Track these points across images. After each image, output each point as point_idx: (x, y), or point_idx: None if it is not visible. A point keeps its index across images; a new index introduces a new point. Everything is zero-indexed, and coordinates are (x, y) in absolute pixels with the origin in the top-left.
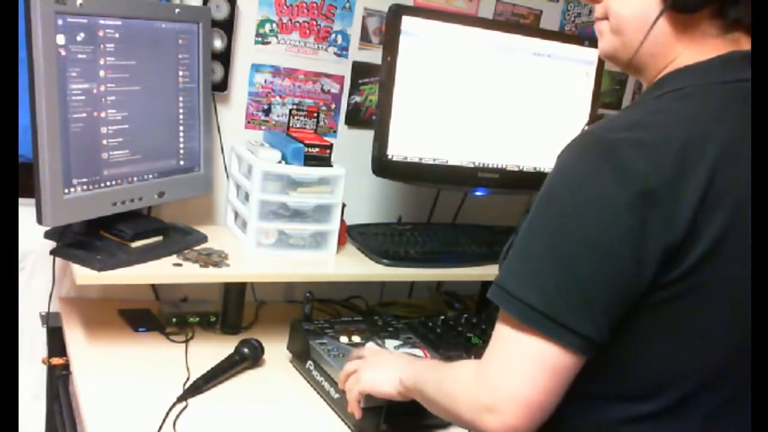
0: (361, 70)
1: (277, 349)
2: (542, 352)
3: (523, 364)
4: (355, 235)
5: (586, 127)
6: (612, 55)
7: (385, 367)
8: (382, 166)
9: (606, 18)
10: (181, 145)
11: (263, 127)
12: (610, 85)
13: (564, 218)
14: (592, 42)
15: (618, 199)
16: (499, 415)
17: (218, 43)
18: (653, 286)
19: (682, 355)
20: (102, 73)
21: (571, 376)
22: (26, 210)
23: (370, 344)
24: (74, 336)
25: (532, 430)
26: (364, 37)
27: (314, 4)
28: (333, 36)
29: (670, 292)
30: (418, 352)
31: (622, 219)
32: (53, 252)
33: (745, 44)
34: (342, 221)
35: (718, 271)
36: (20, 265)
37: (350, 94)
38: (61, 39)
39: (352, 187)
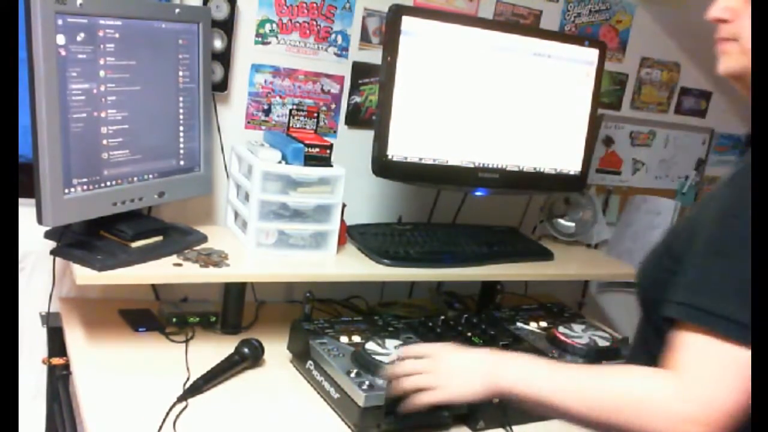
0: (361, 70)
1: (277, 349)
2: (747, 362)
3: (734, 378)
4: (355, 235)
5: None
6: (739, 75)
7: (467, 370)
8: (382, 166)
9: (734, 39)
10: (181, 145)
11: (263, 127)
12: (610, 85)
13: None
14: (592, 42)
15: None
16: (706, 427)
17: (218, 43)
18: None
19: None
20: (102, 73)
21: None
22: (26, 210)
23: (370, 344)
24: (74, 336)
25: None
26: (364, 37)
27: (314, 5)
28: (333, 36)
29: None
30: None
31: None
32: (53, 252)
33: None
34: (342, 221)
35: None
36: (20, 265)
37: (350, 94)
38: (61, 39)
39: (352, 187)
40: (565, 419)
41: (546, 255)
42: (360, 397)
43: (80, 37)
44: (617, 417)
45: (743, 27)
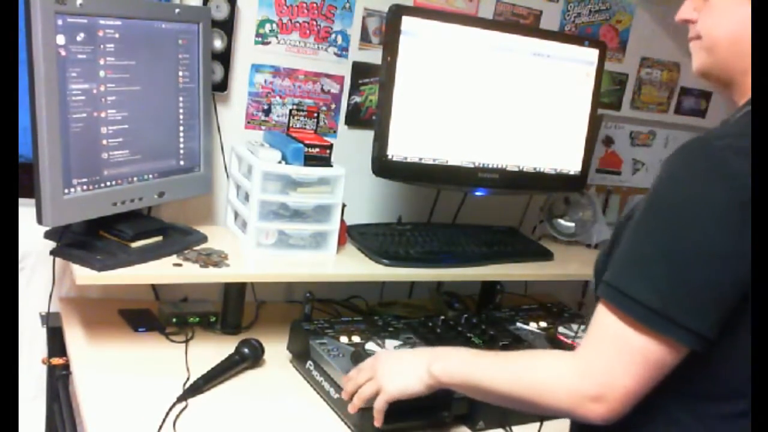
0: (361, 70)
1: (277, 349)
2: (649, 348)
3: (629, 358)
4: (355, 235)
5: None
6: (705, 73)
7: (404, 367)
8: (382, 166)
9: (699, 38)
10: (181, 145)
11: (263, 127)
12: (610, 85)
13: (675, 221)
14: (592, 42)
15: (727, 204)
16: (604, 404)
17: (218, 43)
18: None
19: None
20: (102, 73)
21: (669, 370)
22: (26, 210)
23: (370, 344)
24: (74, 336)
25: (625, 414)
26: (364, 37)
27: (314, 5)
28: (333, 36)
29: None
30: None
31: (729, 222)
32: (53, 252)
33: None
34: (342, 221)
35: None
36: (20, 265)
37: (350, 94)
38: (61, 39)
39: (352, 187)
40: (497, 402)
41: (546, 255)
42: None
43: (80, 37)
44: (530, 395)
45: (704, 25)
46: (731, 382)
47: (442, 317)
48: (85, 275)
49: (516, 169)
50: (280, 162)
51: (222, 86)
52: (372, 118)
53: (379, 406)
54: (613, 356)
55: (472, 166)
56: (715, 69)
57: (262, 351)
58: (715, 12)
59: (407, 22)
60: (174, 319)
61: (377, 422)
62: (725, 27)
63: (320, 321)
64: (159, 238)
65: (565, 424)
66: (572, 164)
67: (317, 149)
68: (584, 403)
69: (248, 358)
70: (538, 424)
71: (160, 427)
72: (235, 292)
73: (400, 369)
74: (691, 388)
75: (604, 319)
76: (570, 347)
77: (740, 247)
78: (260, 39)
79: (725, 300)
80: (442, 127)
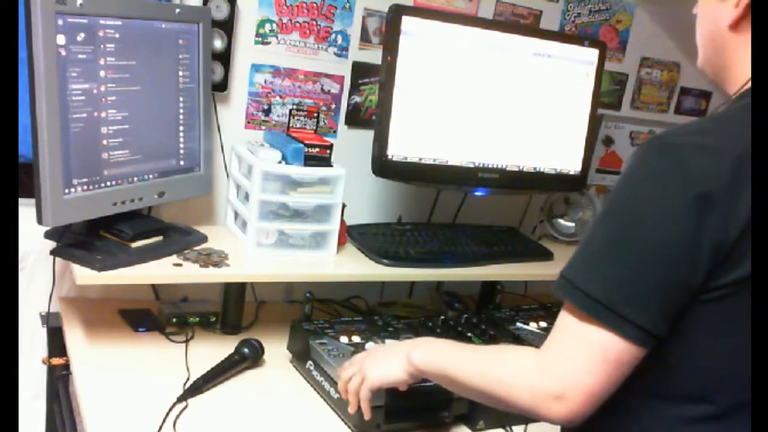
0: (361, 70)
1: (277, 349)
2: (605, 344)
3: (588, 354)
4: (355, 235)
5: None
6: (701, 70)
7: (387, 355)
8: (382, 166)
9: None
10: (181, 145)
11: (263, 127)
12: (610, 85)
13: (625, 215)
14: (592, 42)
15: (677, 200)
16: (565, 403)
17: (218, 43)
18: (705, 285)
19: (729, 358)
20: (102, 73)
21: (630, 367)
22: (26, 210)
23: (370, 344)
24: (74, 336)
25: (589, 415)
26: (364, 37)
27: (314, 4)
28: (333, 36)
29: (719, 292)
30: None
31: (680, 219)
32: (53, 252)
33: None
34: (342, 221)
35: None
36: (20, 265)
37: (350, 94)
38: (61, 39)
39: (352, 187)
40: (469, 396)
41: (546, 255)
42: None
43: (80, 37)
44: (496, 391)
45: (699, 21)
46: (692, 383)
47: (442, 317)
48: (85, 275)
49: (516, 169)
50: (280, 162)
51: (222, 86)
52: (372, 118)
53: (363, 395)
54: (573, 353)
55: (472, 166)
56: (705, 65)
57: (262, 351)
58: (700, 11)
59: (407, 22)
60: (174, 319)
61: (365, 414)
62: (705, 25)
63: (320, 321)
64: (159, 238)
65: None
66: (572, 164)
67: (317, 149)
68: (546, 402)
69: (248, 358)
70: (538, 424)
71: (160, 427)
72: (235, 292)
73: (383, 358)
74: (652, 389)
75: (564, 316)
76: None
77: (691, 243)
78: (260, 39)
79: (672, 297)
80: (442, 127)
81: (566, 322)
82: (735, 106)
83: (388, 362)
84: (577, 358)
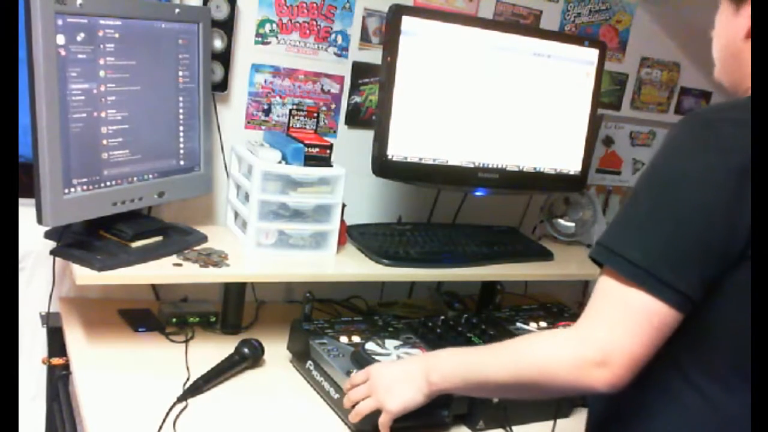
0: (361, 70)
1: (277, 349)
2: (647, 308)
3: (629, 319)
4: (355, 235)
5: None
6: (717, 82)
7: (403, 382)
8: (382, 166)
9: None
10: (181, 145)
11: (263, 127)
12: (610, 85)
13: (667, 186)
14: (592, 42)
15: (718, 171)
16: (608, 369)
17: (218, 43)
18: (742, 256)
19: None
20: (102, 73)
21: (670, 331)
22: (26, 210)
23: (370, 344)
24: (74, 336)
25: (631, 380)
26: (364, 37)
27: (314, 4)
28: (333, 36)
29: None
30: (417, 352)
31: (721, 188)
32: (53, 252)
33: None
34: (342, 221)
35: None
36: (20, 265)
37: (350, 94)
38: (61, 39)
39: (352, 187)
40: (500, 395)
41: (546, 255)
42: None
43: (80, 37)
44: (532, 376)
45: (716, 36)
46: (726, 350)
47: (442, 317)
48: (85, 275)
49: (516, 169)
50: (280, 162)
51: (222, 86)
52: (372, 118)
53: (385, 425)
54: (613, 318)
55: (472, 166)
56: (723, 77)
57: (262, 351)
58: (716, 28)
59: (407, 22)
60: (174, 319)
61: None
62: (722, 39)
63: (320, 321)
64: (159, 238)
65: (565, 424)
66: (572, 164)
67: (317, 149)
68: (589, 371)
69: (248, 358)
70: (538, 424)
71: (160, 427)
72: (235, 292)
73: (399, 384)
74: (686, 358)
75: (602, 283)
76: None
77: (732, 211)
78: (260, 39)
79: (712, 263)
80: (442, 127)
81: (605, 288)
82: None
83: (405, 389)
84: (618, 323)
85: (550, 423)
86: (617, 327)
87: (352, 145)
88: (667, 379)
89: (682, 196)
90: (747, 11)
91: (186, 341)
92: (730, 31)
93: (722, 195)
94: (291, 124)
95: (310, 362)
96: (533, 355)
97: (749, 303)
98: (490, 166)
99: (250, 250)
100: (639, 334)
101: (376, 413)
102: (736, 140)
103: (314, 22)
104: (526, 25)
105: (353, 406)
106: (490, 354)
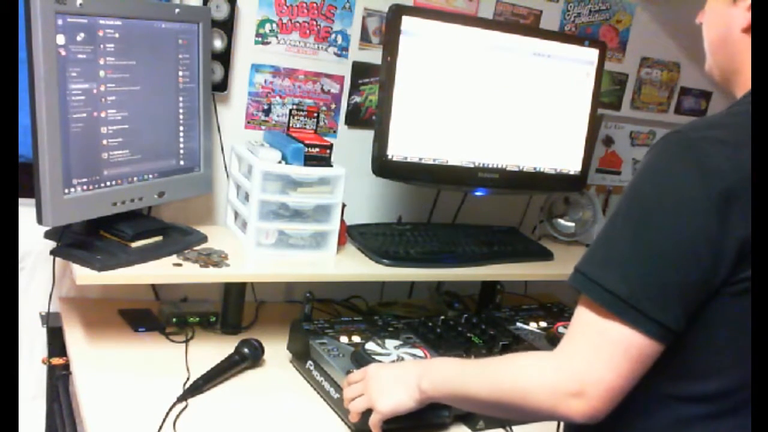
0: (361, 70)
1: (277, 349)
2: (626, 339)
3: (607, 350)
4: (355, 235)
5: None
6: (708, 75)
7: (396, 384)
8: (382, 166)
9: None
10: (181, 145)
11: (263, 127)
12: (610, 85)
13: (648, 212)
14: (592, 42)
15: (700, 197)
16: (584, 400)
17: (218, 43)
18: (730, 279)
19: (747, 352)
20: (102, 73)
21: (649, 363)
22: (26, 210)
23: (370, 344)
24: (74, 336)
25: (609, 412)
26: (364, 37)
27: (314, 4)
28: (333, 36)
29: (744, 285)
30: (418, 352)
31: (703, 217)
32: (53, 252)
33: None
34: (342, 221)
35: None
36: (20, 265)
37: (350, 94)
38: (61, 39)
39: (352, 187)
40: (485, 411)
41: (546, 255)
42: None
43: (80, 37)
44: (512, 399)
45: (704, 29)
46: (709, 378)
47: (442, 317)
48: (85, 275)
49: (516, 169)
50: (280, 162)
51: (222, 86)
52: (372, 118)
53: (375, 425)
54: (591, 349)
55: (472, 166)
56: (714, 70)
57: (262, 351)
58: (708, 16)
59: (407, 22)
60: (174, 319)
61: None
62: (715, 30)
63: (320, 321)
64: (159, 238)
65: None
66: (572, 164)
67: (317, 149)
68: (565, 400)
69: (248, 358)
70: (538, 424)
71: (160, 427)
72: (235, 292)
73: (392, 386)
74: (667, 386)
75: (580, 311)
76: None
77: (715, 241)
78: (260, 39)
79: (694, 293)
80: (442, 127)
81: (584, 318)
82: (746, 101)
83: (397, 392)
84: (595, 354)
85: (551, 423)
86: (594, 358)
87: (352, 145)
88: (648, 407)
89: (664, 225)
90: (745, 2)
91: (186, 341)
92: (726, 22)
93: (706, 224)
94: (291, 124)
95: (310, 362)
96: (514, 378)
97: (732, 329)
98: (490, 166)
99: (250, 250)
100: (617, 365)
101: (369, 413)
102: (719, 162)
103: (314, 22)
104: (526, 25)
105: None
106: (478, 371)
